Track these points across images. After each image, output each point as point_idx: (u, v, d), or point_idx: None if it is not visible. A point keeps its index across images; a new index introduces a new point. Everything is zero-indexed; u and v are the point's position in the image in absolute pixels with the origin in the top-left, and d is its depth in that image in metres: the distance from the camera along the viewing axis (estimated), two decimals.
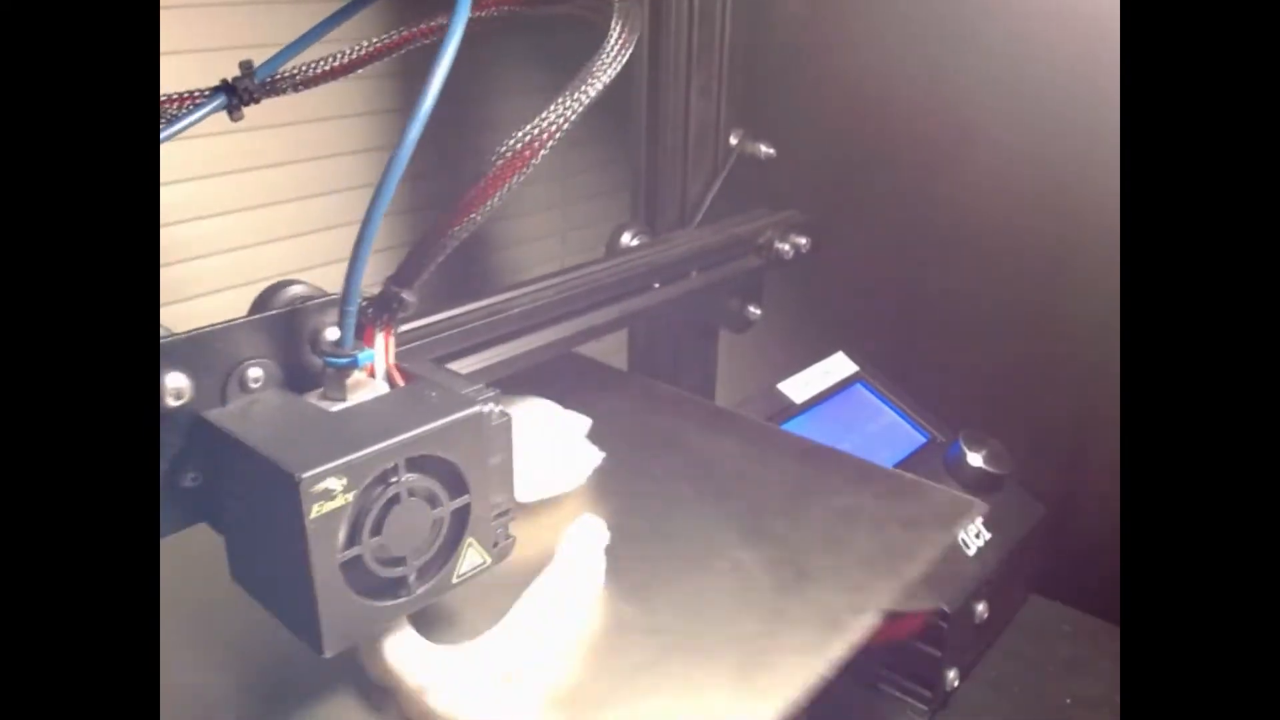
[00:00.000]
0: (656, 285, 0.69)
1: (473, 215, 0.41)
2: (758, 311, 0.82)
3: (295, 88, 0.48)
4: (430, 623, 0.45)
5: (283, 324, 0.42)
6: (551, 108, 0.42)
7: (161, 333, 0.39)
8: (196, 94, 0.46)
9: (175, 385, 0.39)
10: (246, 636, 0.46)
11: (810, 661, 0.44)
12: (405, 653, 0.42)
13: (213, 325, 0.40)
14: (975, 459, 0.73)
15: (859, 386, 0.81)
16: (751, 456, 0.62)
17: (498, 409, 0.42)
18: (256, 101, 0.47)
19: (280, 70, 0.48)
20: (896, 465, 0.74)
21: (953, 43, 0.78)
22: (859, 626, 0.46)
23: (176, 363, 0.39)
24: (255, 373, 0.42)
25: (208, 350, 0.40)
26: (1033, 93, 0.74)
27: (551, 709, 0.42)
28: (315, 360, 0.43)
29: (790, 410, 0.75)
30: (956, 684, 0.67)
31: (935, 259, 0.85)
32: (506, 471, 0.43)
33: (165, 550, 0.36)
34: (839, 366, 0.81)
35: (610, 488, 0.57)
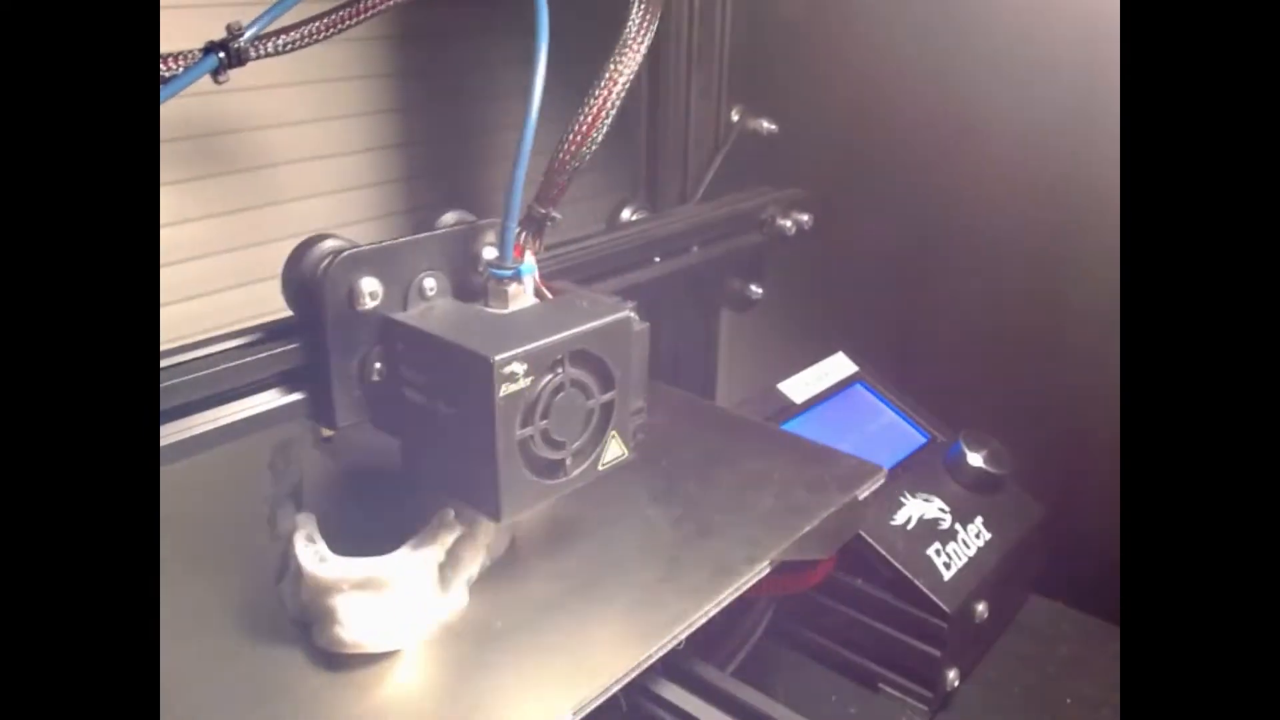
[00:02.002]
0: (657, 259, 0.68)
1: (586, 144, 0.50)
2: (759, 290, 0.81)
3: (284, 49, 0.48)
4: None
5: (453, 241, 0.49)
6: (622, 46, 0.51)
7: (345, 246, 0.45)
8: (185, 55, 0.45)
9: (370, 288, 0.46)
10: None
11: (696, 602, 0.48)
12: (322, 570, 0.45)
13: (399, 239, 0.47)
14: (975, 459, 0.73)
15: (859, 386, 0.81)
16: (676, 426, 0.66)
17: (636, 318, 0.48)
18: (243, 64, 0.46)
19: (268, 31, 0.48)
20: (896, 465, 0.74)
21: (954, 42, 0.78)
22: (749, 573, 0.50)
23: (371, 269, 0.46)
24: (430, 282, 0.48)
25: (396, 259, 0.47)
26: (1035, 89, 0.74)
27: (451, 639, 0.46)
28: (473, 277, 0.50)
29: (790, 410, 0.75)
30: (956, 684, 0.67)
31: (936, 259, 0.85)
32: (642, 374, 0.50)
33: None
34: (839, 366, 0.81)
35: None
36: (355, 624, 0.44)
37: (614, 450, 0.49)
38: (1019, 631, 0.74)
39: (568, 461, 0.46)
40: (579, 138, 0.49)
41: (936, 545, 0.68)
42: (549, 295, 0.49)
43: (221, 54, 0.46)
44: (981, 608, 0.67)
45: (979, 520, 0.71)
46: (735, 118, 0.81)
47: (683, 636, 0.47)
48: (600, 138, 0.50)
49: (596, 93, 0.50)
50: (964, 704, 0.67)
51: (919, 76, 0.80)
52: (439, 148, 0.83)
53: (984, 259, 0.81)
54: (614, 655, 0.45)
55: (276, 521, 0.50)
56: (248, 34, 0.46)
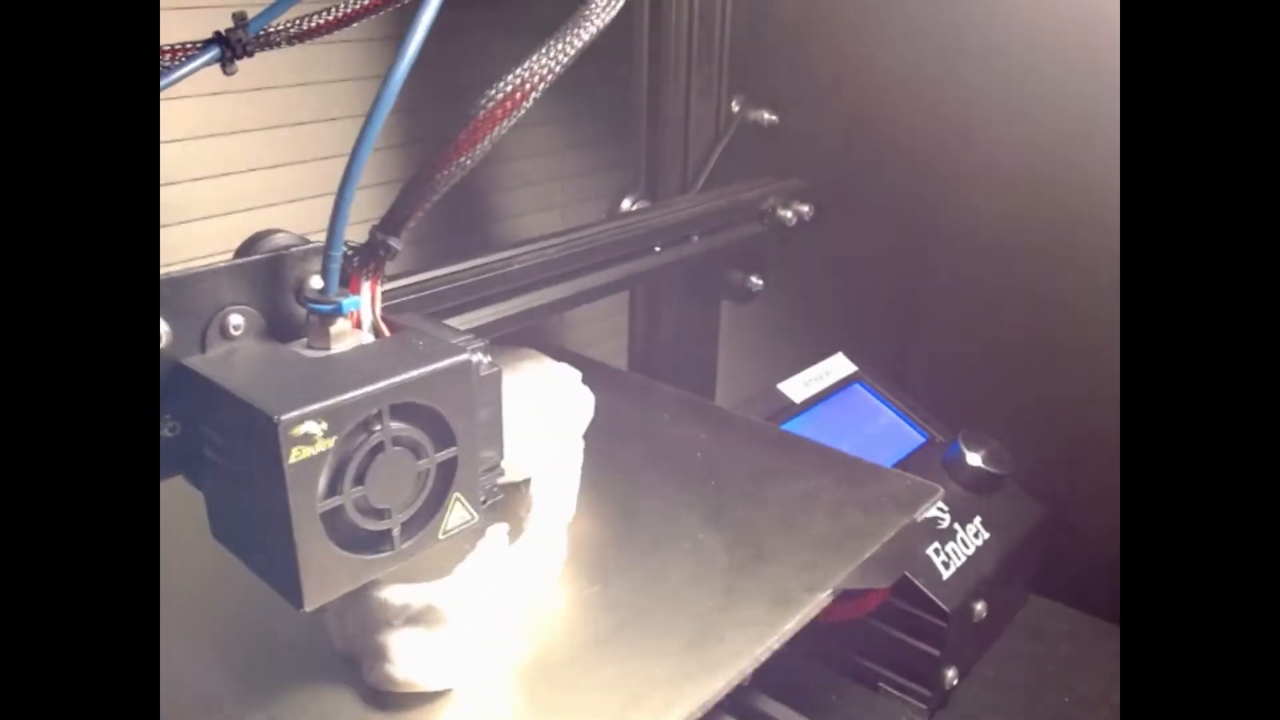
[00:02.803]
0: (657, 249, 0.68)
1: (461, 159, 0.40)
2: (760, 282, 0.81)
3: (289, 41, 0.48)
4: None
5: (266, 270, 0.41)
6: (543, 50, 0.41)
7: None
8: (189, 46, 0.45)
9: None
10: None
11: (759, 634, 0.46)
12: (377, 597, 0.42)
13: (192, 268, 0.39)
14: (975, 459, 0.73)
15: (858, 386, 0.81)
16: (721, 444, 0.64)
17: (487, 359, 0.41)
18: (250, 55, 0.46)
19: (274, 24, 0.47)
20: (896, 465, 0.73)
21: (956, 41, 0.78)
22: (810, 603, 0.48)
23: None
24: (236, 320, 0.41)
25: (188, 294, 0.39)
26: (1034, 89, 0.74)
27: (504, 676, 0.44)
28: (299, 311, 0.42)
29: (790, 410, 0.75)
30: (956, 684, 0.67)
31: (935, 259, 0.85)
32: (495, 425, 0.42)
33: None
34: (839, 366, 0.81)
35: (581, 472, 0.58)
36: (407, 661, 0.42)
37: (460, 515, 0.42)
38: (1019, 631, 0.74)
39: (395, 532, 0.39)
40: (449, 162, 0.40)
41: (936, 545, 0.68)
42: (387, 332, 0.42)
43: (225, 47, 0.46)
44: (980, 607, 0.67)
45: (978, 520, 0.71)
46: (735, 108, 0.81)
47: (748, 672, 0.45)
48: (472, 163, 0.41)
49: (479, 114, 0.40)
50: (963, 703, 0.67)
51: (920, 74, 0.80)
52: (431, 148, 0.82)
53: (984, 258, 0.81)
54: (676, 693, 0.43)
55: None
56: (253, 26, 0.46)
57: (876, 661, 0.68)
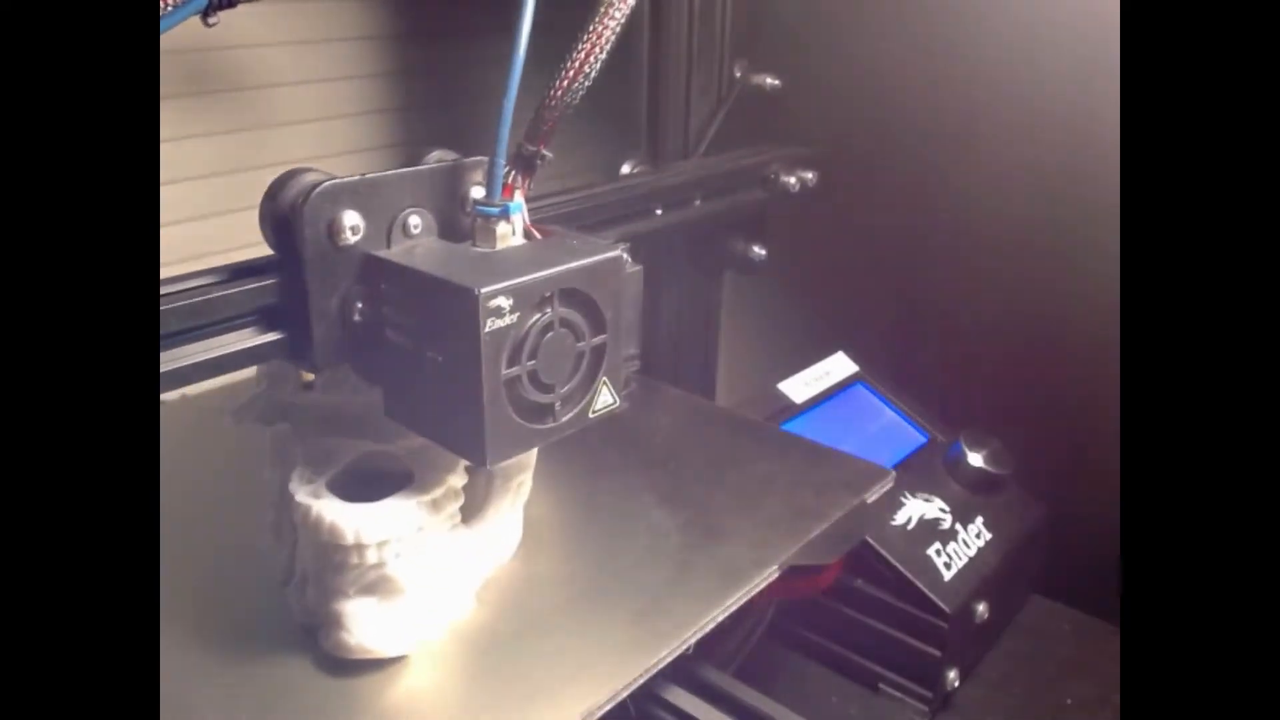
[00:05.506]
0: (659, 211, 0.67)
1: (578, 80, 0.46)
2: (763, 252, 0.80)
3: None
4: None
5: (440, 178, 0.47)
6: None
7: (325, 178, 0.43)
8: None
9: (352, 223, 0.44)
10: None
11: (705, 607, 0.48)
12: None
13: (383, 172, 0.45)
14: (975, 459, 0.73)
15: (859, 386, 0.81)
16: (681, 428, 0.66)
17: (629, 259, 0.46)
18: (233, 5, 0.46)
19: None
20: (896, 465, 0.73)
21: (953, 40, 0.78)
22: (757, 577, 0.50)
23: (353, 203, 0.44)
24: (415, 220, 0.46)
25: (379, 193, 0.45)
26: (1035, 89, 0.74)
27: (457, 645, 0.46)
28: (460, 218, 0.48)
29: (790, 410, 0.75)
30: (956, 684, 0.67)
31: (936, 258, 0.84)
32: (633, 323, 0.48)
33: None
34: (839, 366, 0.81)
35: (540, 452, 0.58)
36: (361, 629, 0.44)
37: (605, 398, 0.47)
38: (1019, 631, 0.74)
39: (557, 406, 0.45)
40: (572, 73, 0.46)
41: (937, 545, 0.67)
42: (538, 236, 0.47)
43: None
44: (982, 608, 0.67)
45: (979, 520, 0.71)
46: (738, 74, 0.80)
47: (692, 642, 0.46)
48: (594, 74, 0.47)
49: (591, 27, 0.47)
50: (964, 704, 0.67)
51: (919, 83, 0.80)
52: (434, 80, 0.81)
53: (985, 260, 0.81)
54: (623, 661, 0.44)
55: (280, 526, 0.49)
56: None
57: (877, 662, 0.68)
